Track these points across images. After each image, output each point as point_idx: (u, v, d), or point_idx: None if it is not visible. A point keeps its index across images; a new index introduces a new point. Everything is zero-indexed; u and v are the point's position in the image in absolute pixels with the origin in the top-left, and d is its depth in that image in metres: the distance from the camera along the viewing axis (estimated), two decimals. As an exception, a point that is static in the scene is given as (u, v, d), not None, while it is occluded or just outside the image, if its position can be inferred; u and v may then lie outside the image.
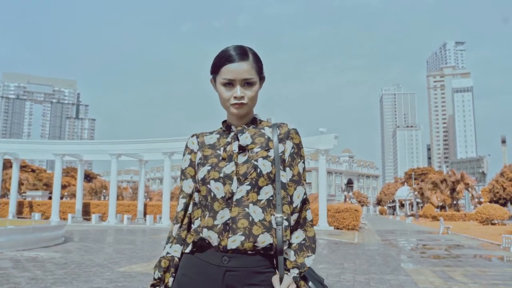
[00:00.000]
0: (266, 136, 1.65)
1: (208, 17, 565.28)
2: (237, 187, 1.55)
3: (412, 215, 65.15)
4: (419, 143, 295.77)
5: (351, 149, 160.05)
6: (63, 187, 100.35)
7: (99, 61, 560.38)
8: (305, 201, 1.64)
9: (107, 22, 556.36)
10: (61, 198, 79.50)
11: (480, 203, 78.35)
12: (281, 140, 1.62)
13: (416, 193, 68.31)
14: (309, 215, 1.64)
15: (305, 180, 1.67)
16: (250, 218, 1.52)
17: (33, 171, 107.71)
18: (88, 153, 39.27)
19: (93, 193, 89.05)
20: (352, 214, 30.30)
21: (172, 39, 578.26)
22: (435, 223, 46.03)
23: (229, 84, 1.61)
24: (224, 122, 1.74)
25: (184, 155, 1.74)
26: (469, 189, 55.16)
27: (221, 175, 1.57)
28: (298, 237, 1.59)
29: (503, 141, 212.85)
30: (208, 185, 1.58)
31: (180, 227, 1.68)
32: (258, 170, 1.56)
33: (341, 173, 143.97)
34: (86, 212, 40.99)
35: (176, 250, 1.65)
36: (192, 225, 1.63)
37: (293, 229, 1.61)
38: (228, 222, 1.53)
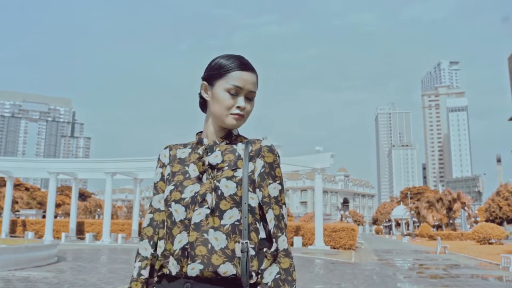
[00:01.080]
0: (236, 154, 1.49)
1: (205, 36, 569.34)
2: (196, 210, 1.41)
3: (408, 234, 64.93)
4: (414, 162, 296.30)
5: (347, 168, 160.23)
6: (57, 205, 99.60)
7: (95, 79, 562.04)
8: (278, 228, 1.43)
9: (103, 40, 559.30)
10: (55, 217, 78.84)
11: (476, 222, 78.19)
12: (251, 158, 1.46)
13: (412, 212, 68.09)
14: (282, 244, 1.41)
15: (282, 203, 1.46)
16: (209, 246, 1.37)
17: (27, 189, 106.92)
18: (83, 171, 39.02)
19: (88, 212, 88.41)
20: (348, 234, 30.08)
21: (169, 58, 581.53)
22: (432, 242, 45.77)
23: (235, 92, 1.48)
24: (198, 133, 1.60)
25: (156, 167, 1.62)
26: (466, 208, 55.08)
27: (183, 195, 1.44)
28: (271, 273, 1.39)
29: (498, 160, 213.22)
30: (169, 208, 1.45)
31: (150, 244, 1.53)
32: (219, 192, 1.40)
33: (336, 192, 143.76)
34: (80, 231, 40.55)
35: (146, 270, 1.52)
36: (159, 248, 1.49)
37: (266, 262, 1.41)
38: (186, 247, 1.38)
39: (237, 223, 1.39)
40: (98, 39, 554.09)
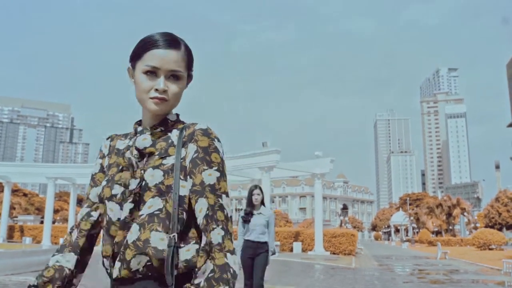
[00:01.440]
0: (169, 141, 1.33)
1: (203, 41, 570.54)
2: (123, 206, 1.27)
3: (407, 240, 64.70)
4: (413, 168, 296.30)
5: (346, 174, 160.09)
6: (56, 211, 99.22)
7: (94, 84, 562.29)
8: (212, 219, 1.21)
9: (102, 44, 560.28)
10: (53, 222, 78.51)
11: (476, 228, 78.00)
12: (184, 144, 1.29)
13: (412, 218, 67.94)
14: (216, 237, 1.20)
15: (221, 192, 1.26)
16: (125, 241, 1.23)
17: (25, 195, 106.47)
18: (81, 176, 38.73)
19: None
20: (348, 239, 29.90)
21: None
22: (432, 248, 45.58)
23: (152, 73, 1.31)
24: (136, 123, 1.43)
25: (96, 158, 1.47)
26: (466, 214, 54.91)
27: (113, 191, 1.29)
28: (205, 271, 1.18)
29: (497, 167, 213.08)
30: (105, 205, 1.31)
31: (80, 232, 1.37)
32: (143, 182, 1.26)
33: (335, 198, 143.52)
34: (78, 236, 40.33)
35: (68, 260, 1.34)
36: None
37: (199, 260, 1.20)
38: (114, 248, 1.26)
39: (157, 212, 1.23)
40: (96, 43, 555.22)
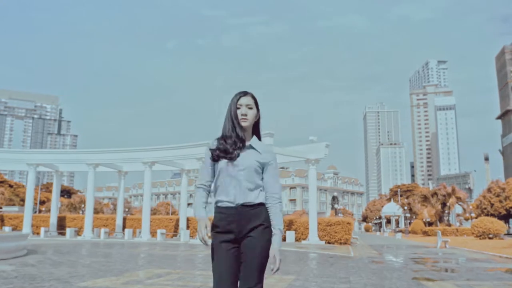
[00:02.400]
0: None
1: (193, 35, 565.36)
2: None
3: (400, 231, 63.75)
4: (402, 160, 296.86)
5: (336, 166, 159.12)
6: (42, 202, 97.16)
7: (83, 77, 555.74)
8: None
9: (90, 38, 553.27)
10: (39, 213, 76.68)
11: (467, 218, 77.22)
12: None
13: (406, 208, 66.90)
14: None
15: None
16: None
17: (10, 186, 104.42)
18: (64, 163, 37.01)
19: (72, 208, 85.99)
20: (344, 228, 28.56)
21: (156, 56, 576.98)
22: (427, 238, 44.53)
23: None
24: None
25: None
26: (461, 203, 53.93)
27: None
28: None
29: (486, 159, 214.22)
30: None
31: None
32: None
33: (326, 189, 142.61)
34: (62, 226, 38.60)
35: None
36: None
37: None
38: None
39: None
40: (85, 37, 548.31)
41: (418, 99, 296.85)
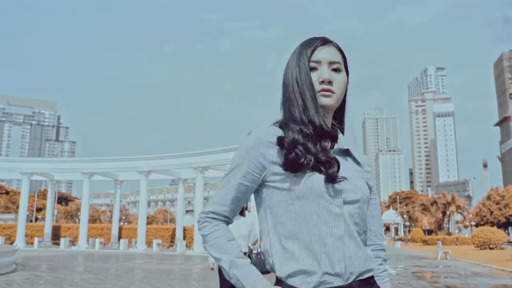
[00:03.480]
0: None
1: (191, 40, 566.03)
2: None
3: (400, 239, 63.13)
4: (401, 167, 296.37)
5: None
6: (39, 210, 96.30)
7: (81, 82, 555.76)
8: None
9: (89, 42, 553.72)
10: (36, 220, 75.98)
11: (466, 226, 76.65)
12: None
13: (405, 216, 66.34)
14: None
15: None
16: None
17: (7, 193, 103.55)
18: (59, 172, 36.43)
19: (69, 217, 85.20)
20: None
21: (155, 60, 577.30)
22: (427, 247, 43.96)
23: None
24: None
25: None
26: (461, 211, 53.48)
27: None
28: None
29: (485, 165, 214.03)
30: None
31: None
32: None
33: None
34: (56, 236, 38.01)
35: None
36: None
37: None
38: None
39: None
40: (84, 41, 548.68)
41: (416, 106, 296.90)
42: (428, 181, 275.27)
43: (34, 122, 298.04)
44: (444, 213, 51.16)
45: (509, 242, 42.42)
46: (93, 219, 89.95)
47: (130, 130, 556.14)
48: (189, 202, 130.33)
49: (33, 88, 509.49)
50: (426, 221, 52.50)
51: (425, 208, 53.32)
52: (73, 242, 35.69)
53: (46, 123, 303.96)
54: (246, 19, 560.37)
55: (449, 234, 50.63)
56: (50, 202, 38.15)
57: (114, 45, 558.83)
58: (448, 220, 52.46)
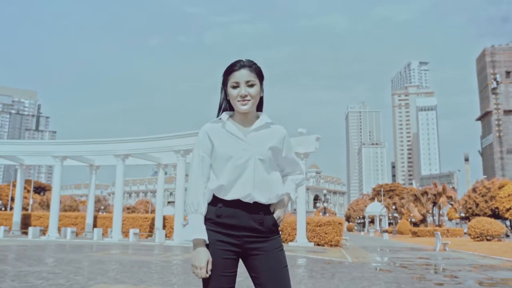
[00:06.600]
0: None
1: (175, 33, 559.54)
2: None
3: (386, 231, 61.73)
4: (384, 160, 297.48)
5: (318, 165, 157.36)
6: (13, 199, 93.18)
7: (63, 73, 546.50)
8: None
9: (72, 34, 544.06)
10: (11, 209, 72.96)
11: (451, 219, 75.66)
12: None
13: (393, 207, 64.93)
14: None
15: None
16: None
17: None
18: (27, 155, 33.62)
19: (45, 206, 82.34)
20: (335, 228, 26.10)
21: (138, 54, 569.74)
22: (416, 239, 42.49)
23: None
24: None
25: None
26: (453, 202, 52.15)
27: None
28: None
29: (466, 159, 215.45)
30: None
31: None
32: None
33: (308, 189, 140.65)
34: (27, 224, 35.45)
35: None
36: None
37: None
38: None
39: None
40: (66, 33, 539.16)
41: (400, 100, 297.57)
42: (410, 175, 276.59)
43: (13, 111, 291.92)
44: (434, 203, 49.72)
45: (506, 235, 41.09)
46: (71, 209, 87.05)
47: (114, 122, 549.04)
48: (170, 194, 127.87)
49: (12, 77, 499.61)
50: (418, 212, 51.03)
51: (416, 199, 51.84)
52: (44, 232, 33.20)
53: (26, 113, 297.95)
54: (232, 13, 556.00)
55: (439, 225, 49.21)
56: (19, 189, 35.48)
57: (97, 37, 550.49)
58: (439, 211, 51.02)
